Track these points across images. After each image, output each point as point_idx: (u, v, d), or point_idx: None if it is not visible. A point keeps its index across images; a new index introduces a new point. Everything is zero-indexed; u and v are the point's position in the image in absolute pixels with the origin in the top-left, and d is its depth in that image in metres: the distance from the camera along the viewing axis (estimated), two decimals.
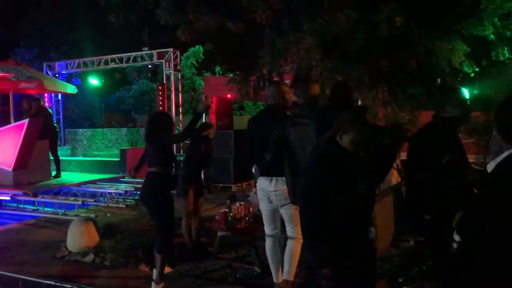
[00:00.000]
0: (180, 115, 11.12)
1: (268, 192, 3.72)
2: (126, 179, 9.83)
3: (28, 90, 9.57)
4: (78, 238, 5.32)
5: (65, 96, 13.62)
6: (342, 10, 5.62)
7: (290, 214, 3.69)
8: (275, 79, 6.92)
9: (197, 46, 19.95)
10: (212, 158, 5.63)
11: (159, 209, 4.09)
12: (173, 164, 4.44)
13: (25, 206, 7.99)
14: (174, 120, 4.37)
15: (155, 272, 4.14)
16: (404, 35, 5.77)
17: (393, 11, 5.39)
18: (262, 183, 3.77)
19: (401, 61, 6.16)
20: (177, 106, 10.84)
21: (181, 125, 11.06)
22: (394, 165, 7.92)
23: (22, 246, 5.75)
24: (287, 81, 7.72)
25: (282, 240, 4.06)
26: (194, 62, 20.07)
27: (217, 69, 20.47)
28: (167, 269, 4.37)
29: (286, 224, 3.80)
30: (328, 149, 2.58)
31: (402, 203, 5.00)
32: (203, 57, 20.22)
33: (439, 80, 7.76)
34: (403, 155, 8.85)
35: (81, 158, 12.28)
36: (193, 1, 6.13)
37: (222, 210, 5.06)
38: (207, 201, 8.36)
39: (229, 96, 8.83)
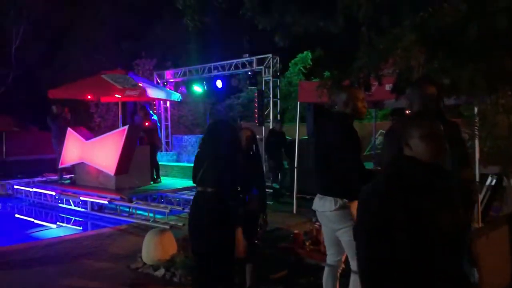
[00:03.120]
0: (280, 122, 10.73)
1: (319, 213, 3.17)
2: None
3: (132, 97, 9.98)
4: (152, 250, 5.16)
5: (178, 103, 14.13)
6: (449, 0, 4.77)
7: (347, 241, 3.03)
8: (373, 83, 6.21)
9: (305, 52, 19.54)
10: (260, 177, 4.21)
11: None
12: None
13: (122, 209, 8.25)
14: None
15: None
16: None
17: None
18: (315, 202, 3.23)
19: None
20: (275, 113, 10.49)
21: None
22: None
23: (105, 253, 5.78)
24: (389, 85, 6.91)
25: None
26: (302, 68, 19.67)
27: (326, 74, 19.81)
28: None
29: (347, 252, 3.15)
30: (401, 164, 1.96)
31: None
32: (311, 63, 19.71)
33: None
34: None
35: (184, 164, 12.56)
36: (279, 1, 5.70)
37: (296, 231, 4.52)
38: (298, 214, 7.86)
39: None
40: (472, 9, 4.68)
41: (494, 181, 6.09)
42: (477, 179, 6.44)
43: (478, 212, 5.90)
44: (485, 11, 4.58)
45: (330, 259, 3.33)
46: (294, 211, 8.01)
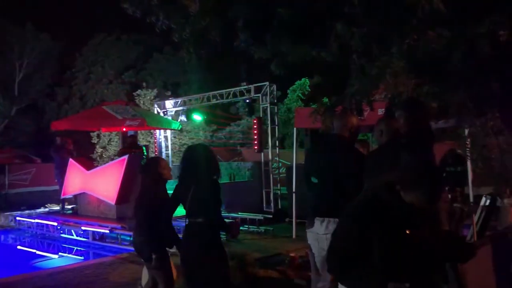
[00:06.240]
0: (277, 148, 10.89)
1: (319, 235, 3.20)
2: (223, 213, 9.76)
3: (132, 127, 10.17)
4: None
5: (179, 131, 14.37)
6: (433, 27, 4.96)
7: None
8: (365, 109, 6.40)
9: (303, 79, 19.91)
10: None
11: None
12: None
13: (123, 238, 8.31)
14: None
15: None
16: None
17: (495, 24, 4.58)
18: (313, 224, 3.27)
19: None
20: (273, 140, 10.66)
21: (278, 158, 10.85)
22: None
23: (106, 282, 5.85)
24: (381, 110, 7.10)
25: None
26: (300, 95, 19.99)
27: (325, 100, 20.09)
28: None
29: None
30: (385, 196, 2.11)
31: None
32: (309, 90, 20.05)
33: None
34: None
35: None
36: (272, 33, 5.91)
37: (292, 254, 4.61)
38: (297, 239, 7.90)
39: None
40: (455, 35, 4.87)
41: (488, 201, 6.19)
42: (471, 199, 6.55)
43: (474, 232, 5.99)
44: (466, 37, 4.75)
45: (318, 283, 3.32)
46: (294, 236, 8.07)
